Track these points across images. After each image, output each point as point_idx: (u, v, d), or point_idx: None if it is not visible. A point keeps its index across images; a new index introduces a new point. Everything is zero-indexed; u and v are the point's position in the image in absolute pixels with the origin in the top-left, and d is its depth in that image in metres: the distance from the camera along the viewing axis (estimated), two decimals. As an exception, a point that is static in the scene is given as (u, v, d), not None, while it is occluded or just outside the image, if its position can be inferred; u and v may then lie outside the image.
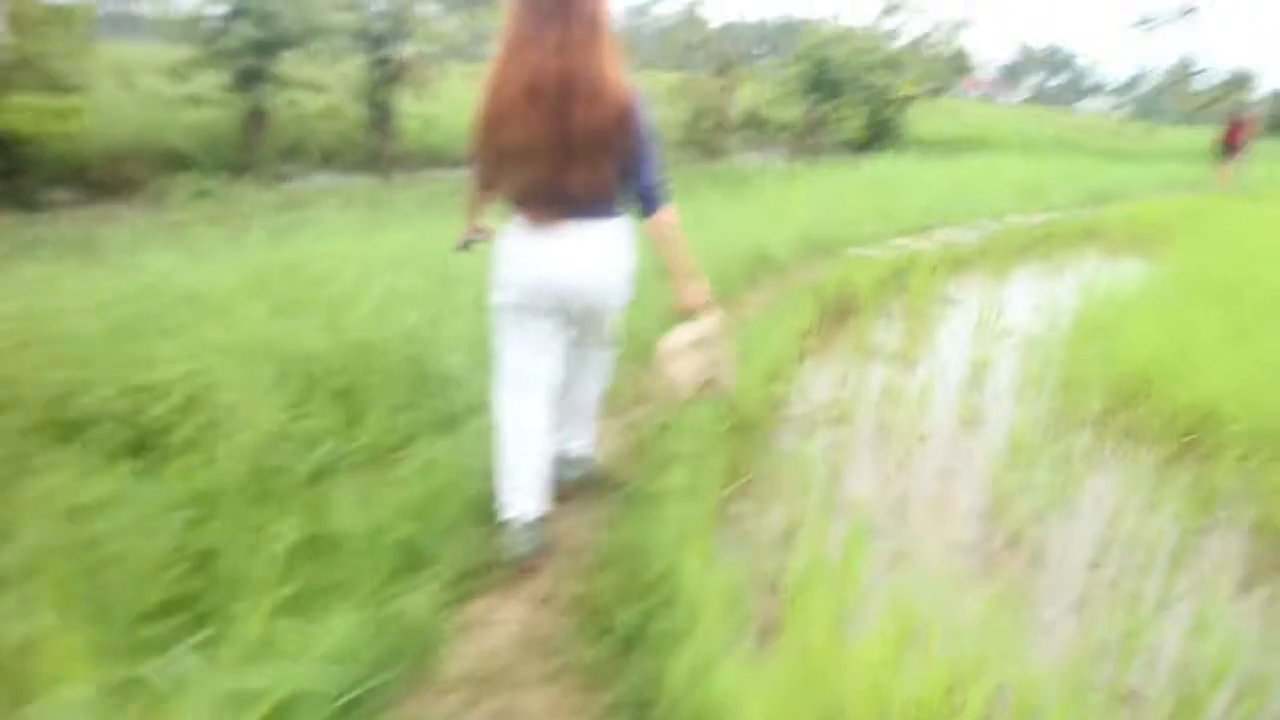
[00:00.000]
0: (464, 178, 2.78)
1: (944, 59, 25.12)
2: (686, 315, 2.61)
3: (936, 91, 25.67)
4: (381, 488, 2.79)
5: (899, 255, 7.50)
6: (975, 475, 3.75)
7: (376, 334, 3.53)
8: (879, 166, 13.68)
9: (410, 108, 15.24)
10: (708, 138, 20.49)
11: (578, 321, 2.63)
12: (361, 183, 13.11)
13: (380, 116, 14.71)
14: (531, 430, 2.57)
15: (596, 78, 2.20)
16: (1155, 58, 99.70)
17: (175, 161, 11.89)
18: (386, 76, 14.40)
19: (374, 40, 14.12)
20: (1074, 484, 3.67)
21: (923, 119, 25.99)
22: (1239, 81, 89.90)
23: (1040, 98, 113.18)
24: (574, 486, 3.06)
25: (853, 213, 9.24)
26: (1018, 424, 4.10)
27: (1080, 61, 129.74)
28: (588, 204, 2.37)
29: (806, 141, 23.67)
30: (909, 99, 24.32)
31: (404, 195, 11.50)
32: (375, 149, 14.70)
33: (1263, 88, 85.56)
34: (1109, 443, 4.14)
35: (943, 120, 28.71)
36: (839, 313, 6.02)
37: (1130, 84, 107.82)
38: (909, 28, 24.87)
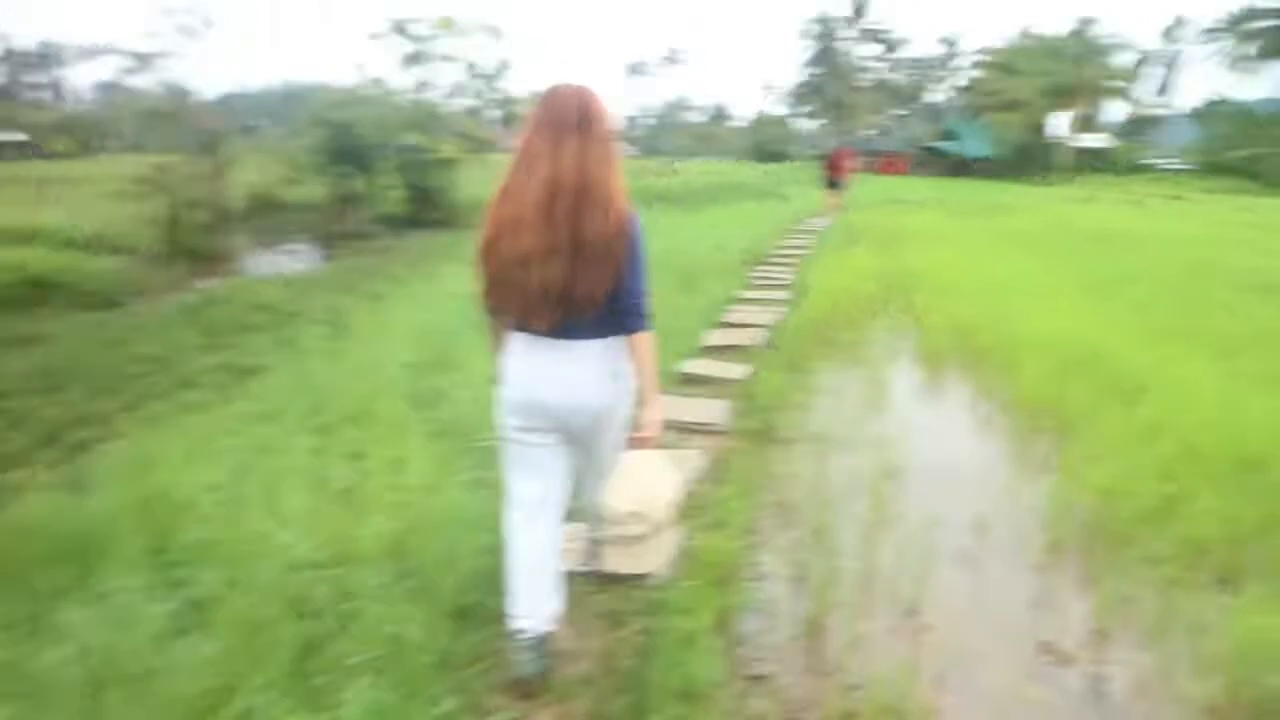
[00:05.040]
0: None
1: (487, 109, 21.47)
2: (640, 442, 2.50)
3: (482, 147, 21.95)
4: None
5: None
6: None
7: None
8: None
9: None
10: (199, 239, 14.50)
11: (581, 439, 2.52)
12: None
13: None
14: (540, 554, 2.48)
15: (607, 193, 2.26)
16: (652, 98, 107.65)
17: None
18: None
19: None
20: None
21: (474, 180, 22.13)
22: (721, 116, 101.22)
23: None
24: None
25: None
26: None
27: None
28: (590, 315, 2.33)
29: (337, 225, 18.47)
30: (453, 160, 20.30)
31: None
32: None
33: (740, 119, 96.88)
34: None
35: (491, 180, 25.20)
36: None
37: (632, 123, 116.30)
38: (441, 78, 20.82)
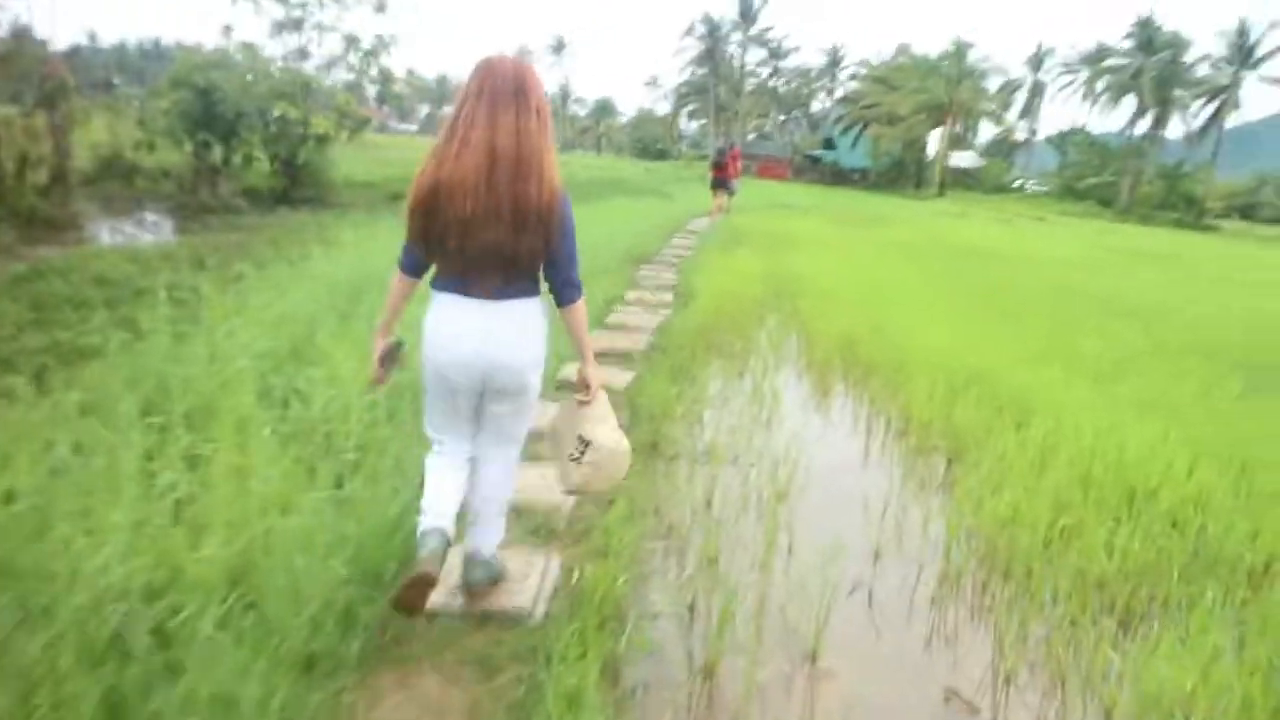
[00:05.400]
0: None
1: (365, 85, 20.51)
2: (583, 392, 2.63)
3: (360, 125, 20.95)
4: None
5: None
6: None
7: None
8: (363, 254, 8.40)
9: None
10: (36, 202, 13.20)
11: (499, 400, 2.57)
12: None
13: None
14: (453, 489, 2.60)
15: (542, 164, 2.31)
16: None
17: None
18: None
19: None
20: None
21: (349, 159, 21.13)
22: (606, 109, 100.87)
23: (430, 128, 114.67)
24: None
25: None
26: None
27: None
28: (522, 278, 2.42)
29: (197, 196, 17.22)
30: (327, 137, 19.27)
31: None
32: None
33: (626, 115, 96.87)
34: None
35: (368, 159, 24.13)
36: None
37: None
38: (318, 48, 19.69)
